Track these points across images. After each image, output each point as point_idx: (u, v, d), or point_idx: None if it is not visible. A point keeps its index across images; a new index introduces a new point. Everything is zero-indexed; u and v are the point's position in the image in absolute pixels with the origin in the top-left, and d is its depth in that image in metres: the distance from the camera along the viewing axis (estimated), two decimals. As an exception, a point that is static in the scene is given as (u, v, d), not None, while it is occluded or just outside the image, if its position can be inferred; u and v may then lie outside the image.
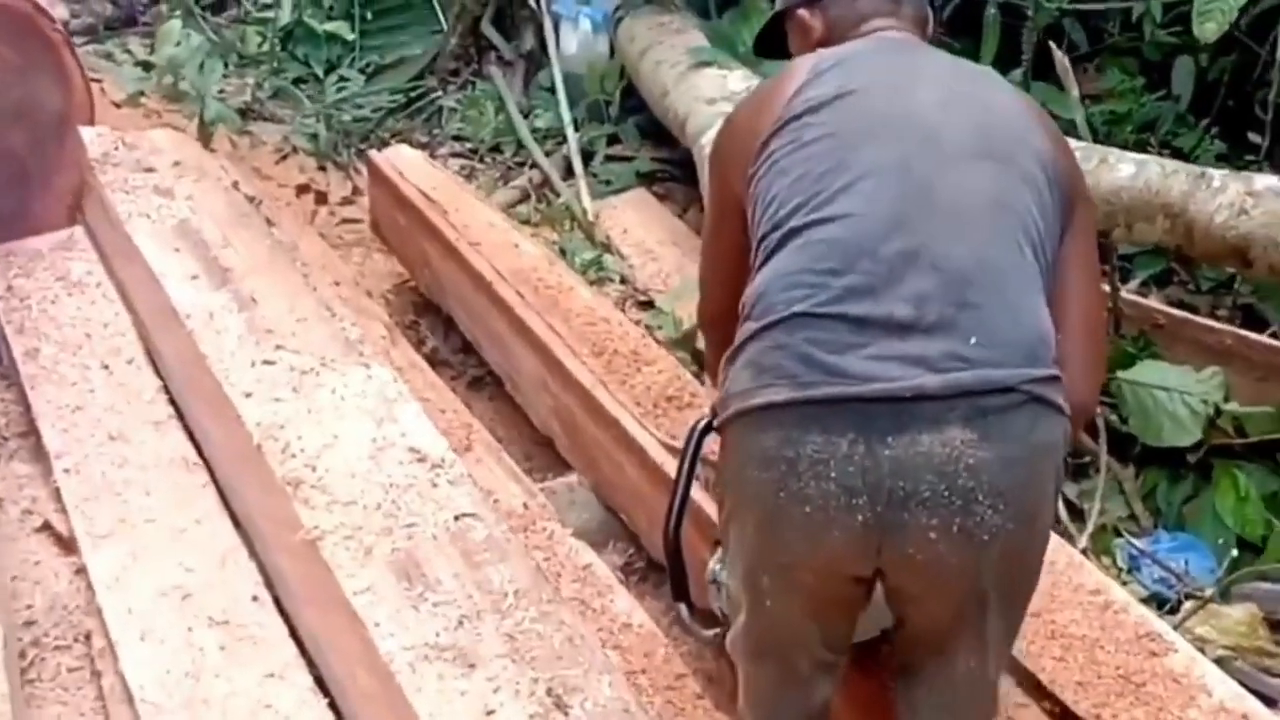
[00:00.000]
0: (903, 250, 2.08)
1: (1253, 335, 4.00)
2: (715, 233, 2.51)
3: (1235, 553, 3.58)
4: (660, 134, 5.54)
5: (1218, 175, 3.65)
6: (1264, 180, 3.57)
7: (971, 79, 2.38)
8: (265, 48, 6.57)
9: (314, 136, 5.90)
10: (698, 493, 2.88)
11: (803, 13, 2.53)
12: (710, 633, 2.78)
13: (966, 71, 2.43)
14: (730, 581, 2.35)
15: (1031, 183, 2.20)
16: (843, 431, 2.02)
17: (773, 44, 2.68)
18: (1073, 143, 4.04)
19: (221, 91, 6.03)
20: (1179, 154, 5.10)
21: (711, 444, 2.73)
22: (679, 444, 3.44)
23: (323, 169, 5.79)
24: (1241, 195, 3.52)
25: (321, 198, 5.58)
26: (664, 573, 3.49)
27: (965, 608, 2.14)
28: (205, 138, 5.43)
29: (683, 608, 2.85)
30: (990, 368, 2.04)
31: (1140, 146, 5.08)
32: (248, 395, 3.26)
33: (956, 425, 2.01)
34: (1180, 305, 4.45)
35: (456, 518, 2.95)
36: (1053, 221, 2.22)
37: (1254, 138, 4.80)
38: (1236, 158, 5.10)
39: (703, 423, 2.65)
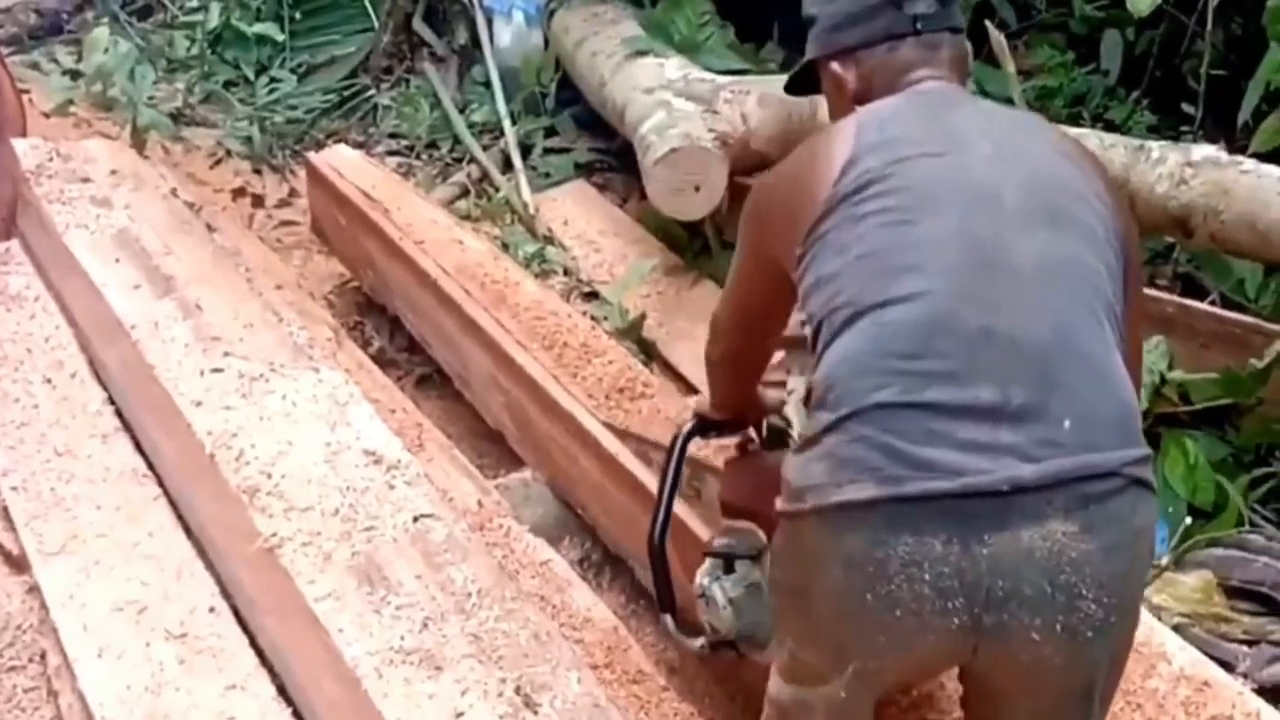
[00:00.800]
0: (980, 327, 1.96)
1: (1194, 303, 4.04)
2: (743, 287, 2.41)
3: (1188, 520, 3.60)
4: (597, 125, 5.53)
5: (1156, 147, 3.68)
6: (1201, 150, 3.60)
7: (1022, 130, 2.25)
8: (194, 52, 6.51)
9: (248, 139, 5.86)
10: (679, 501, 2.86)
11: (835, 66, 2.36)
12: (696, 643, 2.75)
13: (1016, 122, 2.33)
14: (782, 654, 2.19)
15: (1095, 242, 2.09)
16: (935, 531, 1.88)
17: (803, 85, 2.54)
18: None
19: (152, 98, 5.97)
20: (1111, 126, 5.16)
21: (695, 449, 2.74)
22: (630, 430, 3.47)
23: (258, 172, 5.75)
24: (1181, 166, 3.55)
25: (258, 201, 5.54)
26: (621, 564, 3.51)
27: (1067, 704, 2.05)
28: (139, 145, 5.37)
29: (668, 618, 2.81)
30: (1088, 452, 1.92)
31: (1072, 120, 5.14)
32: (197, 404, 3.22)
33: (1057, 517, 1.89)
34: (1120, 276, 4.48)
35: (415, 519, 2.92)
36: (1117, 280, 2.10)
37: (1187, 108, 4.84)
38: (1168, 128, 5.16)
39: (686, 429, 2.63)
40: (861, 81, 2.31)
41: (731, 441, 2.88)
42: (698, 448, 2.90)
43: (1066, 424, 1.93)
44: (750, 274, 2.37)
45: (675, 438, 2.67)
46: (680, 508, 2.90)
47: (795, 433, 2.68)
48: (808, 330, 2.12)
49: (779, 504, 2.07)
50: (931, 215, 2.05)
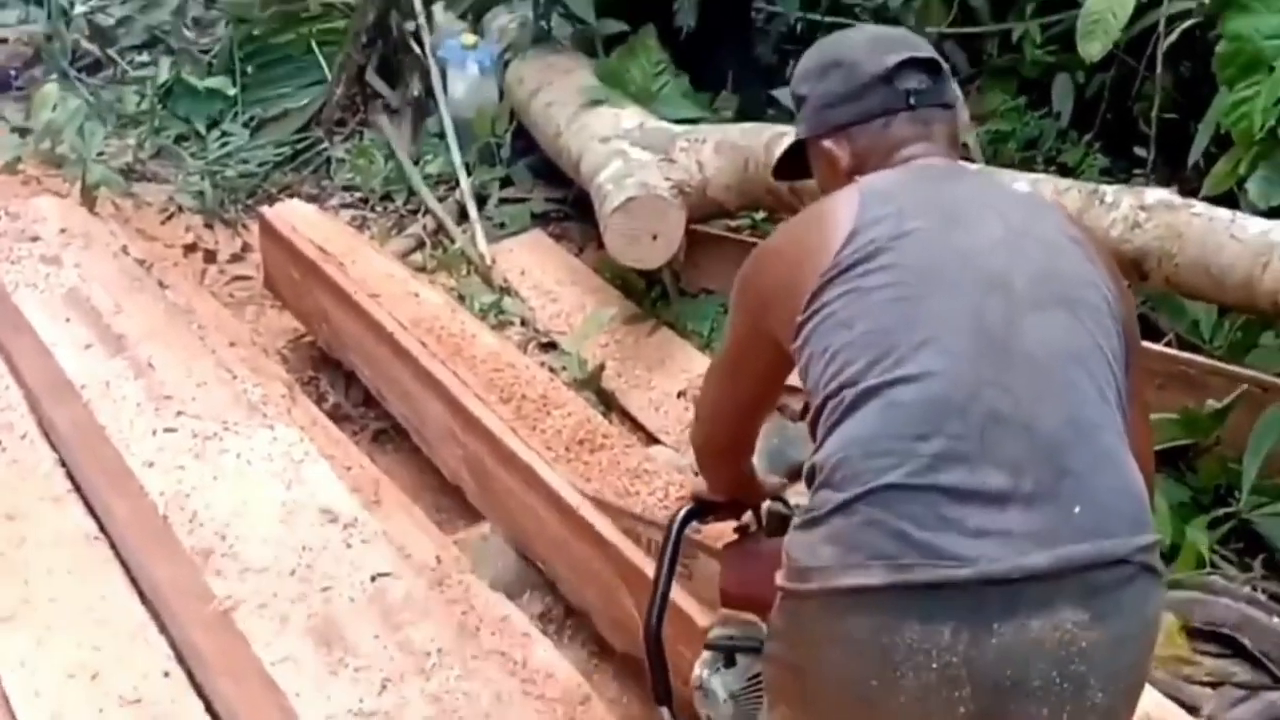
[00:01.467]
0: (990, 411, 1.93)
1: (1150, 345, 4.04)
2: (735, 368, 2.34)
3: (1149, 563, 3.59)
4: (553, 174, 5.53)
5: (1110, 191, 3.69)
6: (1154, 194, 3.62)
7: (1025, 209, 2.22)
8: (144, 107, 6.46)
9: (199, 194, 5.82)
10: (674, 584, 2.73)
11: (827, 143, 2.31)
12: None
13: (1021, 201, 2.32)
14: None
15: (1103, 327, 2.07)
16: (944, 619, 1.85)
17: (792, 168, 2.50)
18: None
19: (102, 154, 5.93)
20: (1064, 169, 5.19)
21: (690, 533, 2.68)
22: (596, 490, 3.44)
23: (209, 227, 5.70)
24: (1134, 209, 3.56)
25: (210, 256, 5.50)
26: (583, 618, 3.48)
27: None
28: (89, 202, 5.33)
29: (665, 712, 2.69)
30: (1099, 539, 1.90)
31: (1025, 164, 5.17)
32: (150, 465, 3.20)
33: (1067, 606, 1.86)
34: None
35: (373, 578, 2.91)
36: (1122, 364, 2.09)
37: (1139, 151, 4.88)
38: (1120, 171, 5.20)
39: (682, 513, 2.58)
40: (855, 158, 2.28)
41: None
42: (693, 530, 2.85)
43: (1077, 510, 1.91)
44: (745, 350, 2.30)
45: (671, 522, 2.59)
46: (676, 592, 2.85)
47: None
48: (810, 403, 2.08)
49: (779, 579, 2.03)
50: (940, 293, 2.02)
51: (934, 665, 1.86)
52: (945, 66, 2.32)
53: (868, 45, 2.31)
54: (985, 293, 2.01)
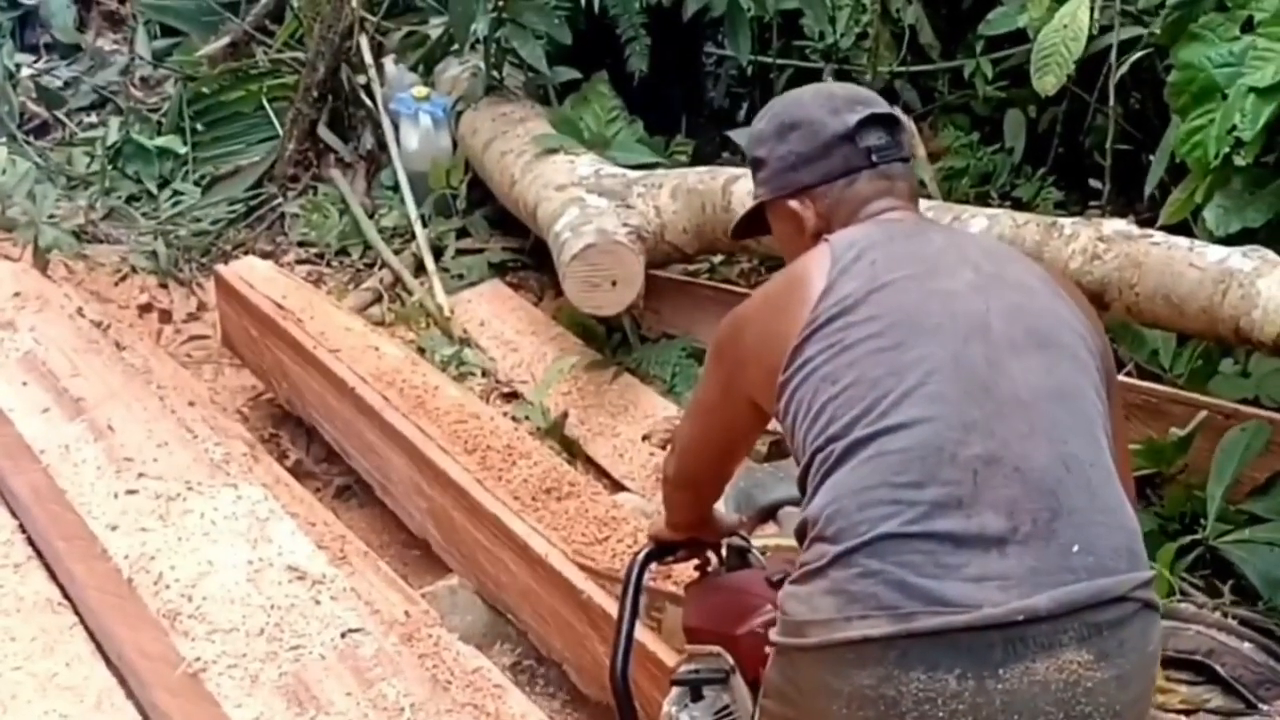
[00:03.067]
0: (981, 455, 1.94)
1: (1111, 376, 4.06)
2: (710, 417, 2.33)
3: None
4: (509, 224, 5.52)
5: (1068, 223, 3.71)
6: (1112, 225, 3.63)
7: (995, 258, 2.23)
8: (95, 168, 6.42)
9: (153, 254, 5.77)
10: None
11: (793, 204, 2.30)
12: None
13: (989, 249, 2.32)
14: None
15: (1081, 364, 2.09)
16: (950, 667, 1.85)
17: (750, 227, 2.48)
18: (926, 203, 4.12)
19: (53, 216, 5.87)
20: (1019, 204, 5.23)
21: (650, 575, 2.67)
22: (562, 544, 3.41)
23: (164, 286, 5.66)
24: (1093, 240, 3.58)
25: (166, 316, 5.46)
26: (554, 667, 3.45)
27: None
28: (41, 265, 5.29)
29: None
30: (1098, 577, 1.91)
31: (980, 199, 5.20)
32: (113, 528, 3.16)
33: (1071, 647, 1.87)
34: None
35: (343, 634, 2.88)
36: (1103, 399, 2.11)
37: (1094, 183, 4.91)
38: (1074, 203, 5.24)
39: (642, 555, 2.56)
40: (821, 218, 2.27)
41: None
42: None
43: (1075, 549, 1.91)
44: (718, 407, 2.30)
45: (631, 565, 2.58)
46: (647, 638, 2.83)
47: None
48: (798, 458, 2.07)
49: (775, 636, 2.01)
50: (922, 341, 2.02)
51: (941, 715, 1.86)
52: (903, 120, 2.34)
53: (825, 104, 2.31)
54: (966, 339, 2.03)
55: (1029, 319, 2.09)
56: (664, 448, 4.08)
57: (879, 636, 1.87)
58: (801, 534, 2.02)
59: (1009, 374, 2.01)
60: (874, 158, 2.26)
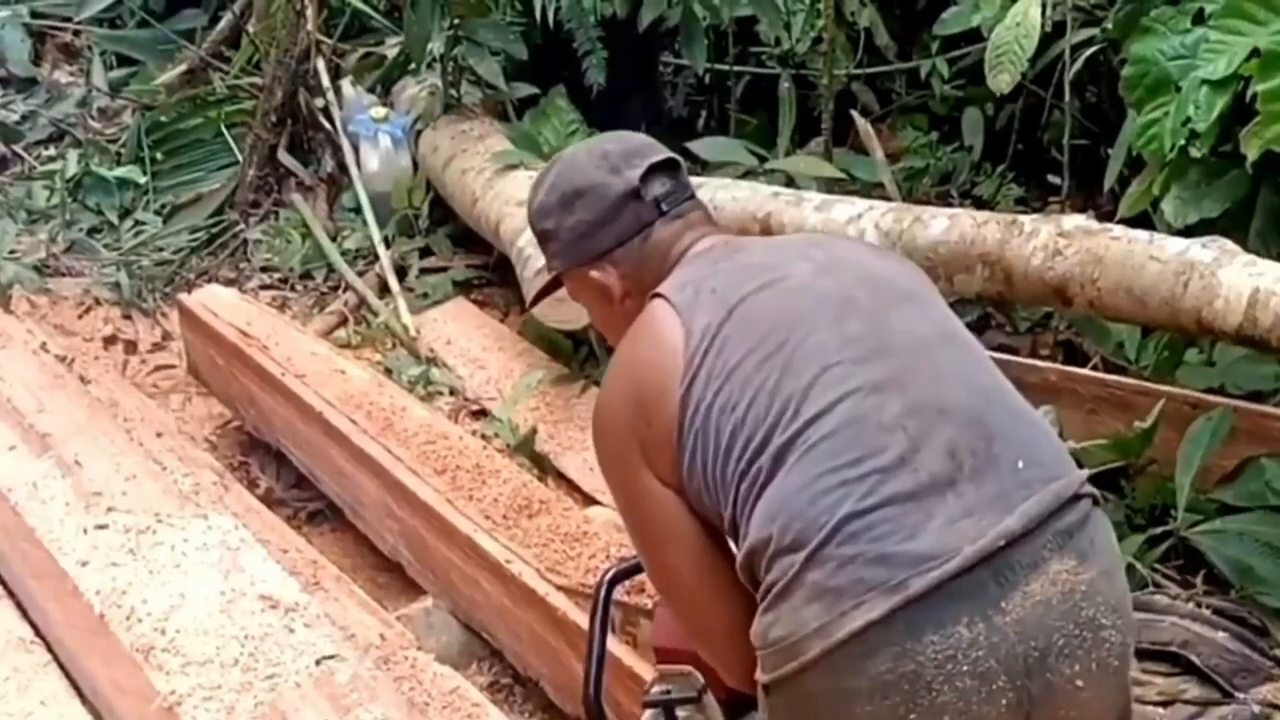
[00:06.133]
0: (903, 410, 1.95)
1: (1077, 370, 4.07)
2: (674, 549, 2.12)
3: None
4: (472, 241, 5.51)
5: (1028, 220, 3.72)
6: (1072, 220, 3.64)
7: (819, 245, 2.26)
8: (54, 201, 6.38)
9: (116, 285, 5.74)
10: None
11: (594, 274, 2.25)
12: None
13: (808, 240, 2.36)
14: None
15: (946, 308, 2.15)
16: (956, 618, 1.84)
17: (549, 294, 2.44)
18: (885, 204, 4.14)
19: (14, 251, 5.85)
20: (980, 202, 5.25)
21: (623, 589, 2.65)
22: (535, 561, 3.40)
23: (128, 317, 5.63)
24: (1054, 237, 3.59)
25: (131, 347, 5.43)
26: (532, 686, 3.44)
27: None
28: (3, 301, 5.27)
29: None
30: (1050, 483, 1.93)
31: (942, 198, 5.22)
32: (83, 564, 3.15)
33: (1054, 559, 1.89)
34: (1001, 349, 4.51)
35: (318, 661, 2.87)
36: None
37: (1053, 179, 4.93)
38: (1035, 200, 5.27)
39: (610, 574, 2.55)
40: (626, 281, 2.24)
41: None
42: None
43: (1020, 465, 1.94)
44: (665, 523, 2.11)
45: (599, 585, 2.55)
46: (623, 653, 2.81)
47: None
48: (721, 509, 2.02)
49: (761, 677, 1.96)
50: (800, 334, 2.02)
51: (965, 668, 1.84)
52: (679, 160, 2.30)
53: (603, 165, 2.26)
54: (839, 316, 2.05)
55: (883, 281, 2.14)
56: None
57: (881, 616, 1.84)
58: (750, 568, 1.98)
59: (894, 329, 2.05)
60: (663, 207, 2.24)
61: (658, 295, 2.14)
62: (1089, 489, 1.98)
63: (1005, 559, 1.86)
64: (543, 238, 2.33)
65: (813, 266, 2.13)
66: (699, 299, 2.09)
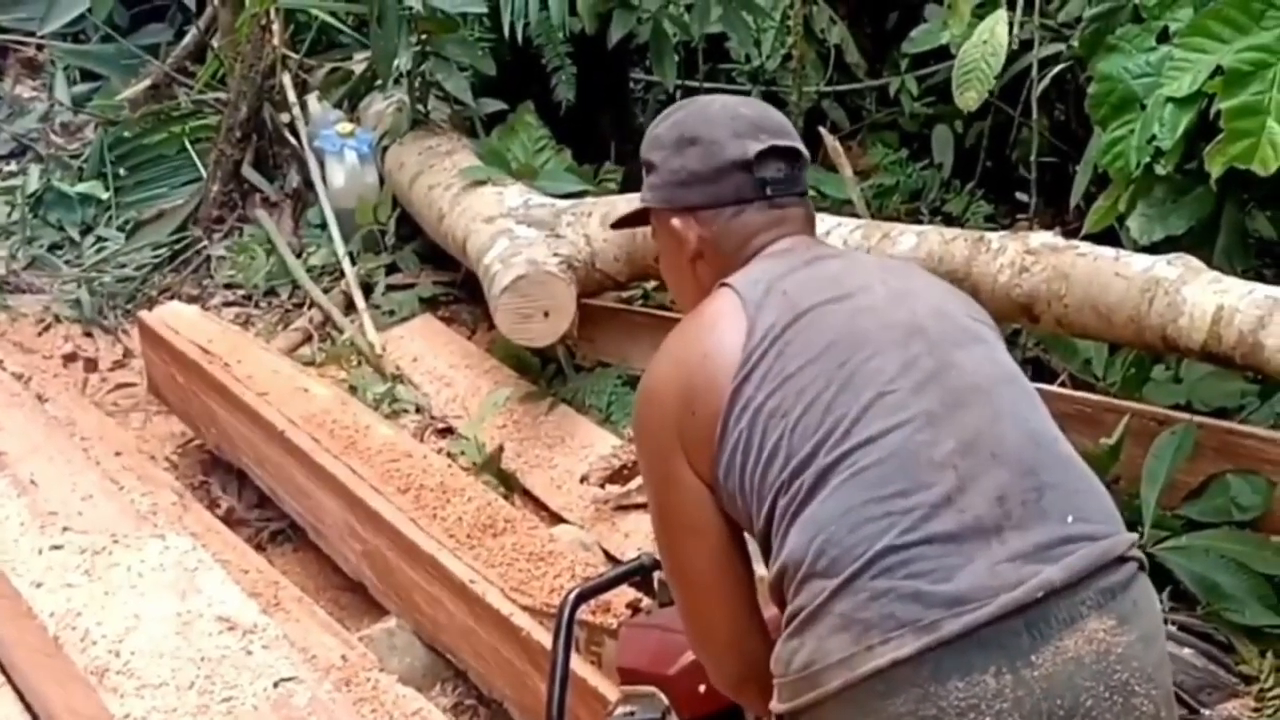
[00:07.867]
0: (957, 448, 1.90)
1: (1045, 386, 4.06)
2: (695, 544, 2.07)
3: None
4: (439, 257, 5.48)
5: (995, 238, 3.73)
6: (1039, 237, 3.65)
7: (896, 273, 2.21)
8: (15, 217, 6.33)
9: (77, 303, 5.70)
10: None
11: (676, 222, 2.20)
12: None
13: (885, 266, 2.30)
14: None
15: (1005, 351, 2.11)
16: (984, 667, 1.79)
17: (635, 222, 2.38)
18: (854, 221, 4.14)
19: (-28, 269, 5.81)
20: (949, 219, 5.27)
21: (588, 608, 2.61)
22: (500, 581, 3.37)
23: (89, 335, 5.59)
24: (1021, 254, 3.59)
25: (91, 365, 5.39)
26: (496, 706, 3.41)
27: None
28: (-38, 318, 5.21)
29: None
30: (1097, 540, 1.88)
31: (911, 215, 5.24)
32: (37, 585, 3.12)
33: (1092, 616, 1.83)
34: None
35: (276, 684, 2.84)
36: None
37: (1021, 196, 4.94)
38: (1003, 217, 5.28)
39: (573, 595, 2.51)
40: (703, 244, 2.19)
41: None
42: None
43: (1069, 519, 1.89)
44: (693, 521, 2.07)
45: (562, 606, 2.51)
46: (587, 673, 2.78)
47: None
48: (752, 512, 1.98)
49: (777, 707, 1.92)
50: (864, 354, 1.98)
51: (987, 719, 1.79)
52: (806, 154, 2.25)
53: (729, 124, 2.20)
54: (906, 343, 2.00)
55: (952, 317, 2.08)
56: (604, 486, 4.03)
57: (909, 655, 1.79)
58: (779, 586, 1.93)
59: (958, 366, 1.99)
60: (768, 190, 2.18)
61: (728, 285, 2.10)
62: (1136, 553, 1.92)
63: (1042, 611, 1.82)
64: (647, 167, 2.27)
65: (887, 291, 2.08)
66: (769, 298, 2.05)
